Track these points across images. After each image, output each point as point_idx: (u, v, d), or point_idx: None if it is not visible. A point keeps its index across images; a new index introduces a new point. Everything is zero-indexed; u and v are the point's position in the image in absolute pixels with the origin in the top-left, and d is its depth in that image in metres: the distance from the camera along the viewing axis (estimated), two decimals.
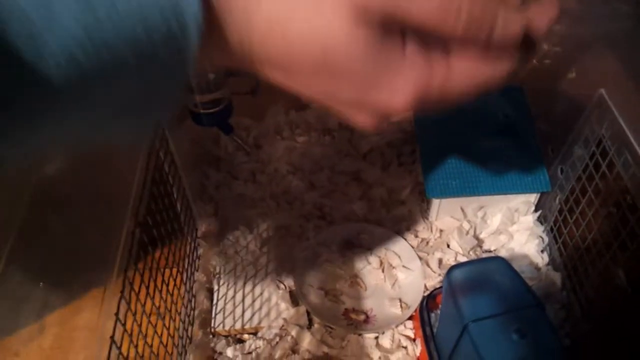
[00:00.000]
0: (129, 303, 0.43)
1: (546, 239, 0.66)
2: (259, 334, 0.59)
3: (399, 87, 0.28)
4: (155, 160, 0.52)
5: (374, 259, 0.65)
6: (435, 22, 0.25)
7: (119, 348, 0.40)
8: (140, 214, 0.46)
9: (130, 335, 0.43)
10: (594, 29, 0.58)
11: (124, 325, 0.40)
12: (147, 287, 0.49)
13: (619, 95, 0.53)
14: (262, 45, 0.25)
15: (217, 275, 0.63)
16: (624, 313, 0.52)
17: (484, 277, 0.53)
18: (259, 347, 0.58)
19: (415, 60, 0.27)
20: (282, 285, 0.62)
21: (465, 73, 0.30)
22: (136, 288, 0.46)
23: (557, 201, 0.64)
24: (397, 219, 0.69)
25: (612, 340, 0.54)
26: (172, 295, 0.55)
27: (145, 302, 0.47)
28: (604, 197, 0.55)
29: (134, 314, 0.44)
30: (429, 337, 0.56)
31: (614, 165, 0.52)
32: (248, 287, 0.62)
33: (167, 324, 0.51)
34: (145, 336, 0.46)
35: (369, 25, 0.25)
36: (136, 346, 0.43)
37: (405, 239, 0.66)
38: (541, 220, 0.67)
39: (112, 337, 0.38)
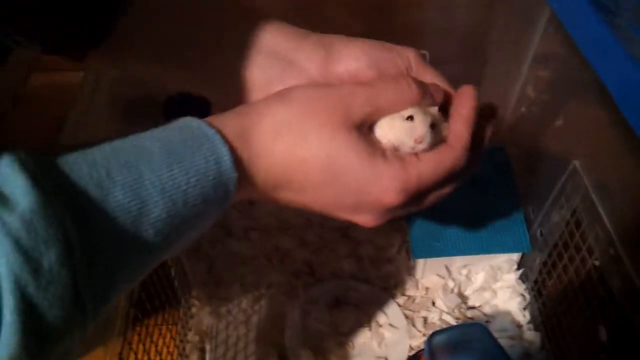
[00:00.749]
0: None
1: (528, 297, 0.68)
2: None
3: (386, 185, 0.35)
4: None
5: (361, 317, 0.67)
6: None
7: None
8: (134, 293, 0.48)
9: None
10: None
11: None
12: (144, 348, 0.52)
13: (594, 167, 0.56)
14: (282, 171, 0.34)
15: (210, 335, 0.66)
16: None
17: (464, 343, 0.56)
18: None
19: (393, 160, 0.34)
20: (272, 345, 0.65)
21: (433, 168, 0.36)
22: (134, 348, 0.49)
23: (537, 261, 0.66)
24: (385, 276, 0.71)
25: None
26: (165, 356, 0.57)
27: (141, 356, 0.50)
28: (581, 261, 0.57)
29: None
30: None
31: (586, 237, 0.55)
32: (240, 347, 0.65)
33: None
34: None
35: (359, 130, 0.35)
36: None
37: (392, 297, 0.69)
38: (523, 278, 0.70)
39: None
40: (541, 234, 0.65)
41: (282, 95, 0.35)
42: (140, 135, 0.29)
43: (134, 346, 0.49)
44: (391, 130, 0.36)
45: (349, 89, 0.35)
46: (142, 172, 0.27)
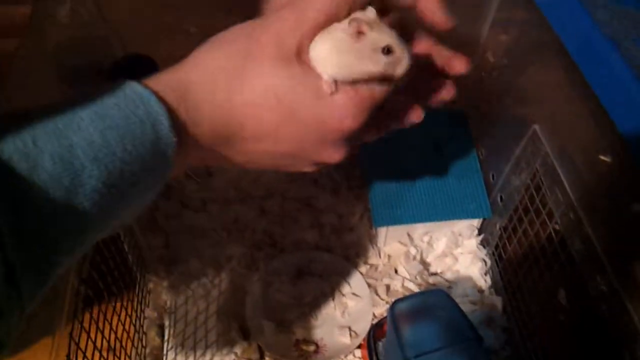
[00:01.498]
0: (77, 343, 0.44)
1: (489, 262, 0.69)
2: None
3: (342, 111, 0.34)
4: None
5: (324, 288, 0.66)
6: None
7: None
8: (84, 270, 0.46)
9: None
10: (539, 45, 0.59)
11: None
12: (97, 327, 0.49)
13: (554, 131, 0.55)
14: (229, 120, 0.32)
15: (168, 311, 0.64)
16: (564, 332, 0.55)
17: (426, 310, 0.55)
18: None
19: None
20: (233, 319, 0.63)
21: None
22: (86, 327, 0.47)
23: (497, 226, 0.66)
24: (347, 245, 0.70)
25: (552, 358, 0.57)
26: (120, 334, 0.55)
27: (95, 342, 0.47)
28: (541, 225, 0.57)
29: (84, 355, 0.45)
30: None
31: (546, 200, 0.55)
32: (200, 322, 0.63)
33: None
34: None
35: (299, 58, 0.33)
36: None
37: (355, 266, 0.68)
38: (484, 243, 0.70)
39: None
40: (501, 199, 0.65)
41: (212, 41, 0.33)
42: (71, 100, 0.26)
43: (85, 325, 0.47)
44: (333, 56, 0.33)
45: (276, 16, 0.33)
46: (72, 140, 0.24)
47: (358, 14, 0.33)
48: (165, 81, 0.30)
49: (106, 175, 0.25)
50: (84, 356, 0.45)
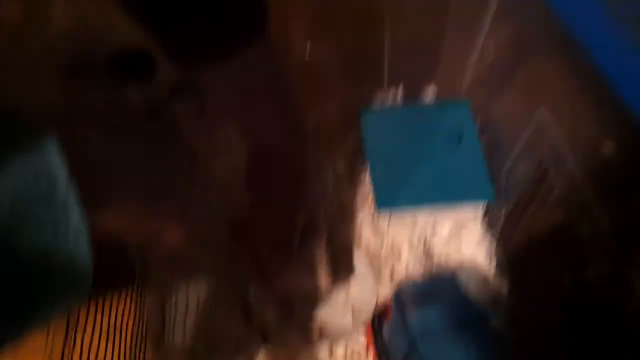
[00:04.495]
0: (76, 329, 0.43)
1: (494, 246, 0.68)
2: (214, 350, 0.59)
3: None
4: None
5: (328, 272, 0.66)
6: None
7: None
8: None
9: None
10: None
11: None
12: (97, 309, 0.49)
13: (561, 118, 0.55)
14: None
15: (170, 292, 0.63)
16: (569, 315, 0.54)
17: (432, 293, 0.55)
18: None
19: None
20: (236, 301, 0.63)
21: None
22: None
23: (503, 211, 0.66)
24: (350, 231, 0.69)
25: (558, 342, 0.56)
26: (120, 315, 0.55)
27: (94, 325, 0.47)
28: (548, 210, 0.57)
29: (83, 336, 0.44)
30: (380, 349, 0.58)
31: (553, 188, 0.54)
32: (202, 303, 0.62)
33: (117, 344, 0.51)
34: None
35: None
36: None
37: (358, 251, 0.67)
38: (489, 228, 0.69)
39: None
40: (507, 184, 0.65)
41: None
42: None
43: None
44: None
45: None
46: None
47: None
48: None
49: None
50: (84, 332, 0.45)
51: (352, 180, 0.74)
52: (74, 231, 0.23)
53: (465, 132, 0.68)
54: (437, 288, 0.55)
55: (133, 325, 0.57)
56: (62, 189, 0.23)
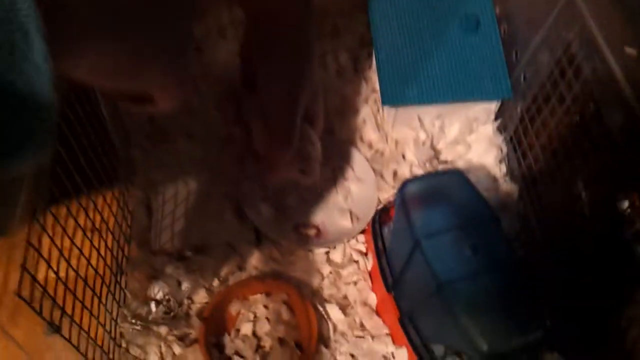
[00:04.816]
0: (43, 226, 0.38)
1: (505, 149, 0.63)
2: (203, 251, 0.56)
3: None
4: None
5: (325, 171, 0.61)
6: None
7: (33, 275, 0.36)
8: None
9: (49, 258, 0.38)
10: None
11: (37, 249, 0.35)
12: (68, 208, 0.44)
13: None
14: None
15: (157, 189, 0.59)
16: (579, 222, 0.51)
17: (439, 191, 0.51)
18: (203, 264, 0.54)
19: None
20: (227, 199, 0.58)
21: None
22: (55, 209, 0.41)
23: (518, 109, 0.60)
24: (351, 128, 0.64)
25: (565, 251, 0.53)
26: (105, 214, 0.50)
27: (66, 222, 0.42)
28: (568, 105, 0.51)
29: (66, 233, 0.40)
30: (380, 252, 0.54)
31: (580, 72, 0.48)
32: (190, 202, 0.58)
33: (96, 244, 0.47)
34: (70, 258, 0.41)
35: None
36: (57, 271, 0.39)
37: (359, 150, 0.63)
38: (501, 129, 0.64)
39: (22, 265, 0.33)
40: (524, 78, 0.59)
41: None
42: None
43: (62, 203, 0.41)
44: None
45: None
46: None
47: None
48: None
49: None
50: (65, 234, 0.41)
51: (356, 73, 0.68)
52: (33, 66, 0.19)
53: (483, 17, 0.61)
54: (445, 184, 0.50)
55: (115, 224, 0.53)
56: (23, 10, 0.18)
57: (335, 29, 0.70)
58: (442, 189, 0.50)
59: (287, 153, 0.47)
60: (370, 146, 0.64)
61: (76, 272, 0.42)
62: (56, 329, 0.35)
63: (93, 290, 0.44)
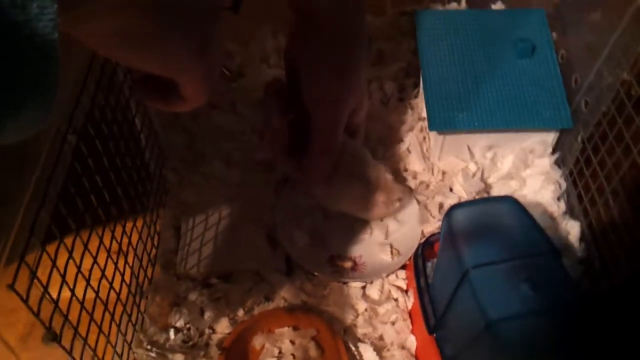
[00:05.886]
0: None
1: (564, 185, 0.58)
2: (230, 278, 0.52)
3: None
4: (103, 66, 0.43)
5: None
6: None
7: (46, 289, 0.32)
8: (76, 119, 0.37)
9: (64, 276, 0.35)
10: None
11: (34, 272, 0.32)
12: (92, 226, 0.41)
13: None
14: None
15: (187, 212, 0.56)
16: None
17: (490, 219, 0.46)
18: (229, 293, 0.51)
19: None
20: (260, 226, 0.55)
21: None
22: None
23: (579, 140, 0.55)
24: (395, 158, 0.60)
25: (636, 303, 0.46)
26: (126, 231, 0.47)
27: (102, 241, 0.40)
28: (637, 131, 0.46)
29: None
30: (423, 288, 0.49)
31: None
32: (221, 226, 0.55)
33: (117, 262, 0.44)
34: (89, 276, 0.38)
35: None
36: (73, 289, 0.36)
37: (403, 179, 0.58)
38: (559, 163, 0.59)
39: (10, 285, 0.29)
40: (586, 105, 0.54)
41: None
42: None
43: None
44: None
45: None
46: None
47: None
48: None
49: None
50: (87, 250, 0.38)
51: (401, 101, 0.64)
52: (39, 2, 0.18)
53: (539, 41, 0.57)
54: (496, 212, 0.45)
55: (139, 243, 0.50)
56: None
57: (381, 54, 0.67)
58: (494, 216, 0.45)
59: (329, 161, 0.45)
60: (414, 177, 0.59)
61: (92, 287, 0.38)
62: (54, 337, 0.32)
63: (106, 307, 0.41)
